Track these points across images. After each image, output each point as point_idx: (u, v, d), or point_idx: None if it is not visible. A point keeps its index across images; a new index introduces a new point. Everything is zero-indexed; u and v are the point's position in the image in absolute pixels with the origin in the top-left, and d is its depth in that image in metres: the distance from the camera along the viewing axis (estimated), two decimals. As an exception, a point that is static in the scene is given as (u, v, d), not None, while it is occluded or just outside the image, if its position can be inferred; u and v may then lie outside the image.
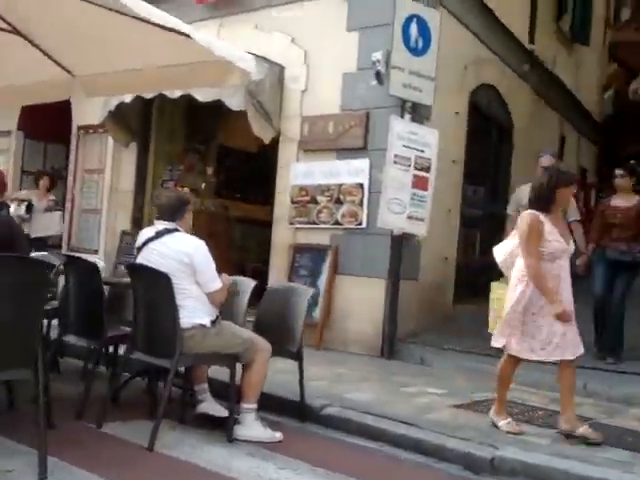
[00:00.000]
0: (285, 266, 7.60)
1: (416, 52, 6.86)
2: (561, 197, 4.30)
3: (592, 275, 6.66)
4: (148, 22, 4.73)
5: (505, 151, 9.90)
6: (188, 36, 4.67)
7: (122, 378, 4.72)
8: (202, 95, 7.55)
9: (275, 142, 7.96)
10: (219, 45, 4.94)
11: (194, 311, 3.90)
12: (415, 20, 6.81)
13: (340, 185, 7.31)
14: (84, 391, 4.30)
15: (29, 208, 8.67)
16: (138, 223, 9.46)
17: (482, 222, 9.40)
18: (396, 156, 6.70)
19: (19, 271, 3.13)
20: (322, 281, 7.30)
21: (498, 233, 9.82)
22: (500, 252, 4.60)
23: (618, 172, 6.73)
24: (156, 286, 3.85)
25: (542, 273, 4.18)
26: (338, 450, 4.27)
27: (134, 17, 4.71)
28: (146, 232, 4.10)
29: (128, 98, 8.12)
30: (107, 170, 9.54)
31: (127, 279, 4.29)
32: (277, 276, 7.60)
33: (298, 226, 7.62)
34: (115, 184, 9.55)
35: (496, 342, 4.52)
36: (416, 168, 6.86)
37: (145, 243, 4.01)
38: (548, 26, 11.10)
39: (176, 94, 7.68)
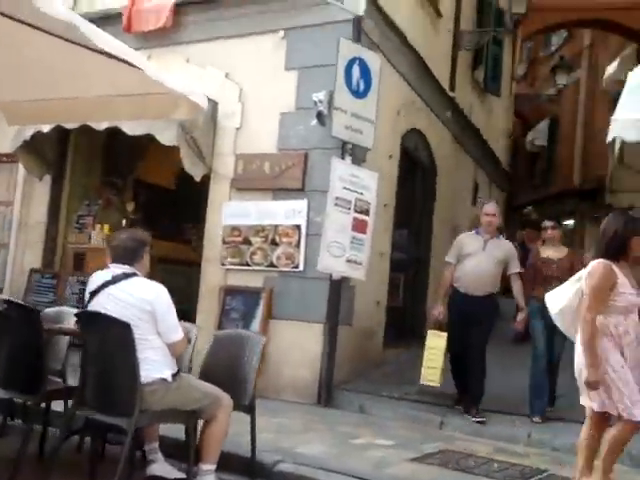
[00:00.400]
0: (214, 309, 7.26)
1: (358, 94, 6.80)
2: (635, 246, 4.01)
3: (532, 333, 6.31)
4: (96, 50, 4.45)
5: (429, 196, 10.00)
6: (139, 68, 4.40)
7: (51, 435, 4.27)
8: (131, 128, 7.19)
9: (193, 178, 7.62)
10: (168, 77, 4.71)
11: (155, 364, 3.56)
12: (357, 62, 6.76)
13: (276, 226, 7.10)
14: (18, 451, 3.83)
15: None
16: (49, 260, 8.88)
17: (407, 266, 9.41)
18: (337, 198, 6.56)
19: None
20: (255, 325, 7.01)
21: (421, 277, 9.92)
22: (556, 303, 4.26)
23: (549, 224, 6.66)
24: (114, 336, 3.48)
25: (595, 333, 3.90)
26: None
27: (79, 44, 4.42)
28: (101, 275, 3.73)
29: (46, 128, 7.65)
30: (16, 203, 8.91)
31: (61, 325, 3.90)
32: (205, 319, 7.23)
33: (230, 267, 7.32)
34: (25, 218, 8.92)
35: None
36: (356, 211, 6.75)
37: (100, 288, 3.64)
38: (465, 76, 11.42)
39: (102, 125, 7.29)
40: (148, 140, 7.97)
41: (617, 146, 6.95)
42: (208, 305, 7.36)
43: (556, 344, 6.05)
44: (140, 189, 10.75)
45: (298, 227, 6.98)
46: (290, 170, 7.08)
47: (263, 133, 7.34)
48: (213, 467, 3.76)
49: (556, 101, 19.99)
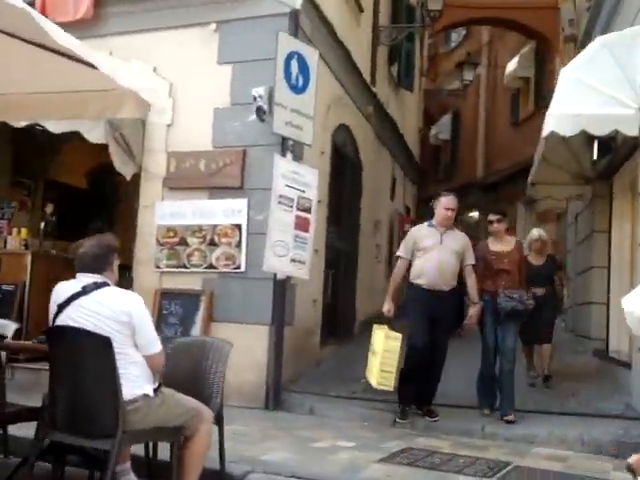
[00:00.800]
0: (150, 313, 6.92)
1: (297, 90, 6.64)
2: None
3: (482, 327, 6.22)
4: (37, 44, 4.12)
5: (356, 192, 9.98)
6: (93, 66, 4.11)
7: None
8: (55, 126, 6.75)
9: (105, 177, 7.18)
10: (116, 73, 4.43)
11: (136, 379, 3.29)
12: (296, 57, 6.61)
13: (215, 226, 6.85)
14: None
15: None
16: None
17: (336, 263, 9.35)
18: (280, 196, 6.40)
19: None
20: (196, 329, 6.75)
21: (350, 273, 9.89)
22: (635, 304, 3.74)
23: (494, 217, 6.52)
24: (91, 351, 3.19)
25: None
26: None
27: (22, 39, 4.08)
28: (68, 286, 3.41)
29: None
30: None
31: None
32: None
33: (165, 270, 7.01)
34: None
35: None
36: (298, 209, 6.60)
37: (69, 300, 3.33)
38: (383, 71, 11.48)
39: (21, 123, 6.78)
40: (59, 138, 7.56)
41: (543, 142, 7.17)
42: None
43: (508, 337, 6.09)
44: (51, 189, 10.22)
45: (238, 227, 6.76)
46: (228, 168, 6.85)
47: (196, 130, 7.06)
48: (195, 486, 3.54)
49: (458, 96, 20.50)
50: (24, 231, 7.99)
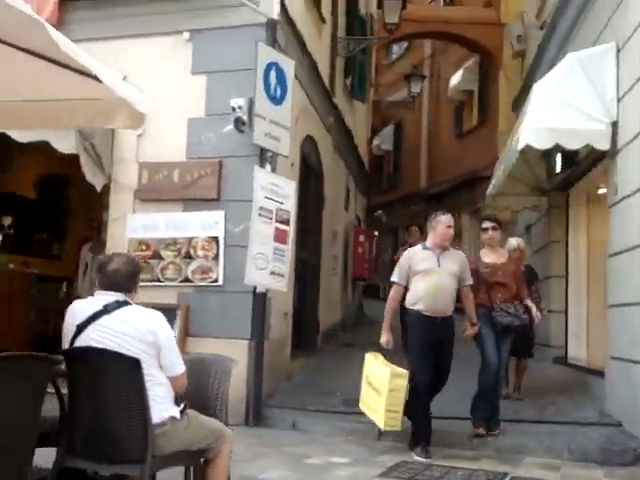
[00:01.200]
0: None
1: (275, 101, 6.58)
2: None
3: (481, 341, 5.84)
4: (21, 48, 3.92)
5: (318, 202, 9.95)
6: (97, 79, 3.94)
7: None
8: (21, 135, 6.46)
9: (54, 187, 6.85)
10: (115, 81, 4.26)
11: (163, 402, 3.16)
12: (274, 68, 6.55)
13: (190, 239, 6.70)
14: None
15: None
16: None
17: (303, 274, 9.28)
18: (261, 208, 6.31)
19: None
20: (171, 345, 6.56)
21: (313, 284, 9.85)
22: None
23: (489, 224, 6.17)
24: (118, 374, 3.04)
25: None
26: None
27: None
28: (87, 305, 3.24)
29: None
30: None
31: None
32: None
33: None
34: None
35: None
36: (277, 221, 6.53)
37: (90, 319, 3.17)
38: (340, 82, 11.51)
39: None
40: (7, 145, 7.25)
41: (515, 154, 7.31)
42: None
43: (503, 351, 5.97)
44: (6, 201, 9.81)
45: (215, 239, 6.64)
46: (203, 179, 6.72)
47: (168, 140, 6.91)
48: (217, 510, 3.42)
49: (400, 107, 20.73)
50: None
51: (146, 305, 6.93)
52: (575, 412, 6.57)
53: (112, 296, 3.25)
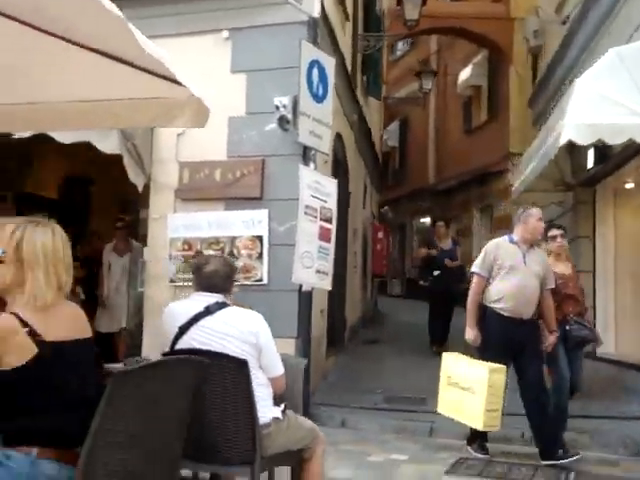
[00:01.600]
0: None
1: (318, 99, 6.57)
2: None
3: (555, 357, 5.47)
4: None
5: (344, 199, 9.92)
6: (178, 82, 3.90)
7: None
8: (64, 136, 6.42)
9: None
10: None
11: (266, 403, 3.17)
12: (316, 65, 6.53)
13: (233, 238, 6.69)
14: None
15: None
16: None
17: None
18: (307, 207, 6.31)
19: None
20: (216, 345, 6.56)
21: (340, 281, 9.86)
22: None
23: (557, 232, 5.88)
24: (225, 375, 3.04)
25: None
26: None
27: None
28: (188, 307, 3.24)
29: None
30: None
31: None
32: (155, 341, 6.66)
33: (180, 284, 6.78)
34: None
35: None
36: (321, 219, 6.53)
37: (192, 321, 3.17)
38: (359, 79, 11.51)
39: (27, 133, 6.44)
40: (33, 147, 7.19)
41: (553, 150, 7.31)
42: (155, 326, 6.77)
43: (578, 367, 5.78)
44: (23, 202, 9.76)
45: (259, 238, 6.62)
46: (246, 178, 6.70)
47: (209, 139, 6.83)
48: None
49: (406, 103, 20.75)
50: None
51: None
52: (618, 406, 6.61)
53: (212, 298, 3.24)
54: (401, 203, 21.82)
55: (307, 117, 6.41)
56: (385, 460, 5.17)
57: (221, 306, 3.23)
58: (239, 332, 3.15)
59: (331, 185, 6.70)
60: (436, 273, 9.77)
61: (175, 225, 6.84)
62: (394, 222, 21.85)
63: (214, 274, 3.28)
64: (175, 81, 4.12)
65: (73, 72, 4.18)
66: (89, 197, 11.06)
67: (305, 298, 6.52)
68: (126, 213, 9.27)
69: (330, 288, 6.74)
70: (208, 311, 3.19)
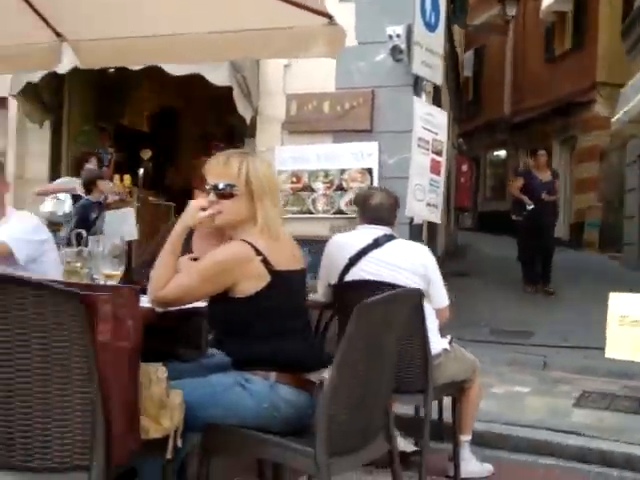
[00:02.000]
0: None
1: (430, 27, 6.40)
2: None
3: None
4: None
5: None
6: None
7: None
8: (177, 69, 6.44)
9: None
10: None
11: (434, 334, 3.22)
12: (429, -8, 6.35)
13: (342, 170, 6.68)
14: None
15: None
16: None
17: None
18: (419, 139, 6.23)
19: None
20: (325, 277, 6.64)
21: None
22: None
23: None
24: (402, 307, 3.07)
25: None
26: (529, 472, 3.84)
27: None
28: (355, 238, 3.28)
29: (40, 73, 6.68)
30: (10, 153, 7.86)
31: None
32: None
33: (289, 216, 6.83)
34: (20, 171, 7.92)
35: None
36: (432, 152, 6.44)
37: (361, 253, 3.20)
38: (448, 6, 11.15)
39: (139, 65, 6.47)
40: (132, 82, 7.22)
41: None
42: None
43: None
44: (121, 135, 9.93)
45: (369, 170, 6.59)
46: (355, 110, 6.64)
47: (316, 71, 6.77)
48: (470, 438, 3.50)
49: (489, 32, 20.02)
50: (127, 178, 7.72)
51: (298, 237, 7.05)
52: None
53: (380, 230, 3.26)
54: (475, 136, 21.34)
55: (420, 47, 6.26)
56: (507, 392, 5.22)
57: (389, 238, 3.26)
58: (409, 264, 3.17)
59: (442, 116, 6.58)
60: (530, 207, 9.47)
61: (283, 158, 6.85)
62: (467, 155, 21.45)
63: (380, 207, 3.29)
64: (309, 8, 4.08)
65: (209, 4, 4.18)
66: (177, 130, 11.17)
67: (415, 231, 6.51)
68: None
69: (440, 221, 6.70)
70: (377, 243, 3.21)
